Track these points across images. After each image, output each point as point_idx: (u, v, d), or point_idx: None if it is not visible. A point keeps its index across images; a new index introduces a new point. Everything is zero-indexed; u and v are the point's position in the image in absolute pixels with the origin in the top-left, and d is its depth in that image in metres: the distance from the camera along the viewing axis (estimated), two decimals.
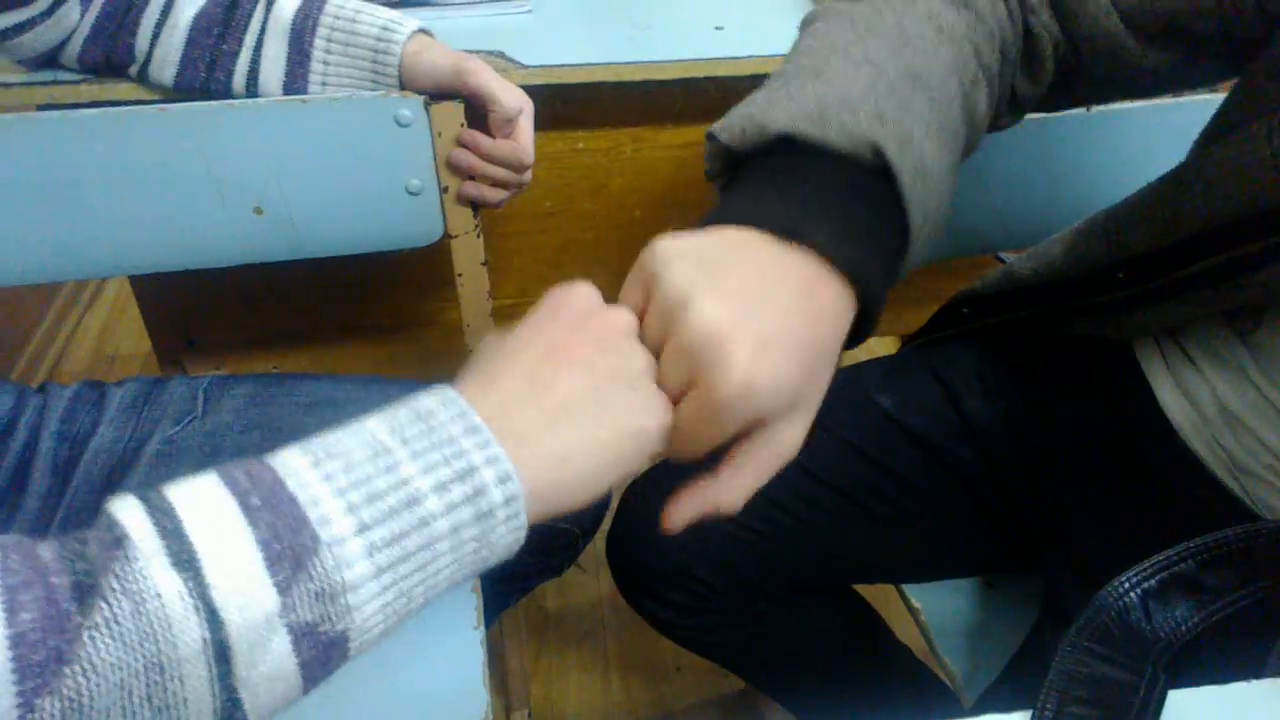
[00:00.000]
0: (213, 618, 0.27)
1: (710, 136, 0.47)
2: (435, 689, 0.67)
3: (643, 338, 0.39)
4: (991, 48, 0.54)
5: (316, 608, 0.29)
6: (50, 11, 0.71)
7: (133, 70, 0.76)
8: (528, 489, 0.33)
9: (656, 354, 0.38)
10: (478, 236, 0.83)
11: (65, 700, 0.26)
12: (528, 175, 0.78)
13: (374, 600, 0.30)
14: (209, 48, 0.74)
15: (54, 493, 0.66)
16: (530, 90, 0.75)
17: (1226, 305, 0.57)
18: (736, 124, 0.46)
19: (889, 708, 0.84)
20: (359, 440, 0.32)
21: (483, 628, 0.69)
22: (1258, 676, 0.43)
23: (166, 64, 0.74)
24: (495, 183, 0.78)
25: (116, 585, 0.27)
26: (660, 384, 0.38)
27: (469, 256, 0.84)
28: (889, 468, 0.73)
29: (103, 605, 0.26)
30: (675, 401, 0.37)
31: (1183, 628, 0.46)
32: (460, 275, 0.85)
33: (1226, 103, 0.57)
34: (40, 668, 0.26)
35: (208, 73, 0.74)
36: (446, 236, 0.82)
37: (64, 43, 0.75)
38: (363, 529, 0.30)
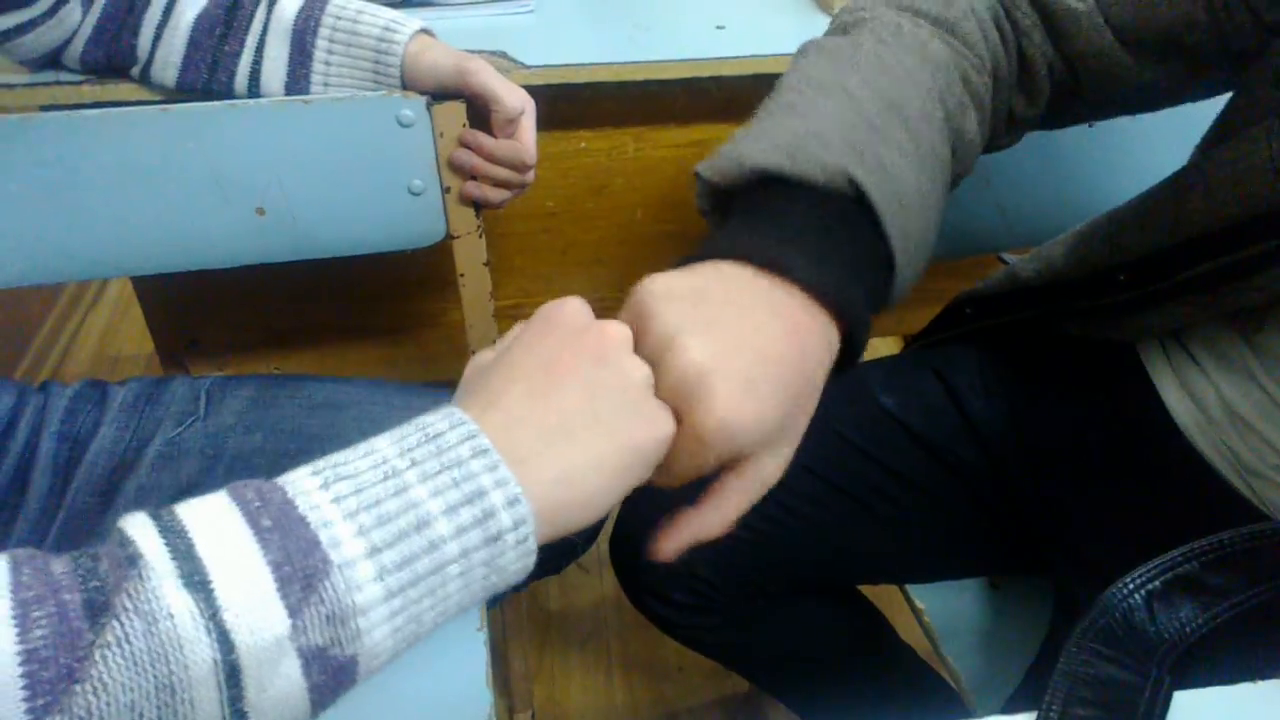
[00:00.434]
0: (224, 639, 0.27)
1: (698, 175, 0.48)
2: (439, 690, 0.67)
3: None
4: (981, 73, 0.54)
5: (327, 631, 0.29)
6: (52, 12, 0.71)
7: (134, 71, 0.76)
8: (535, 510, 0.33)
9: None
10: (480, 237, 0.83)
11: (75, 719, 0.26)
12: (530, 175, 0.78)
13: (385, 624, 0.30)
14: (211, 49, 0.74)
15: (55, 493, 0.66)
16: (532, 90, 0.75)
17: (1228, 308, 0.57)
18: (720, 162, 0.47)
19: (893, 708, 0.84)
20: (369, 462, 0.32)
21: (486, 629, 0.69)
22: (1263, 677, 0.43)
23: (168, 65, 0.75)
24: (497, 183, 0.78)
25: (129, 604, 0.27)
26: None
27: (471, 257, 0.84)
28: (892, 467, 0.73)
29: (115, 624, 0.26)
30: None
31: (1187, 629, 0.46)
32: (462, 275, 0.85)
33: (1227, 107, 0.57)
34: (51, 685, 0.25)
35: (210, 74, 0.74)
36: (448, 237, 0.82)
37: (66, 44, 0.75)
38: (374, 551, 0.30)
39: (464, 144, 0.76)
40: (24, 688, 0.25)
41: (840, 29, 0.56)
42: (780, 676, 0.87)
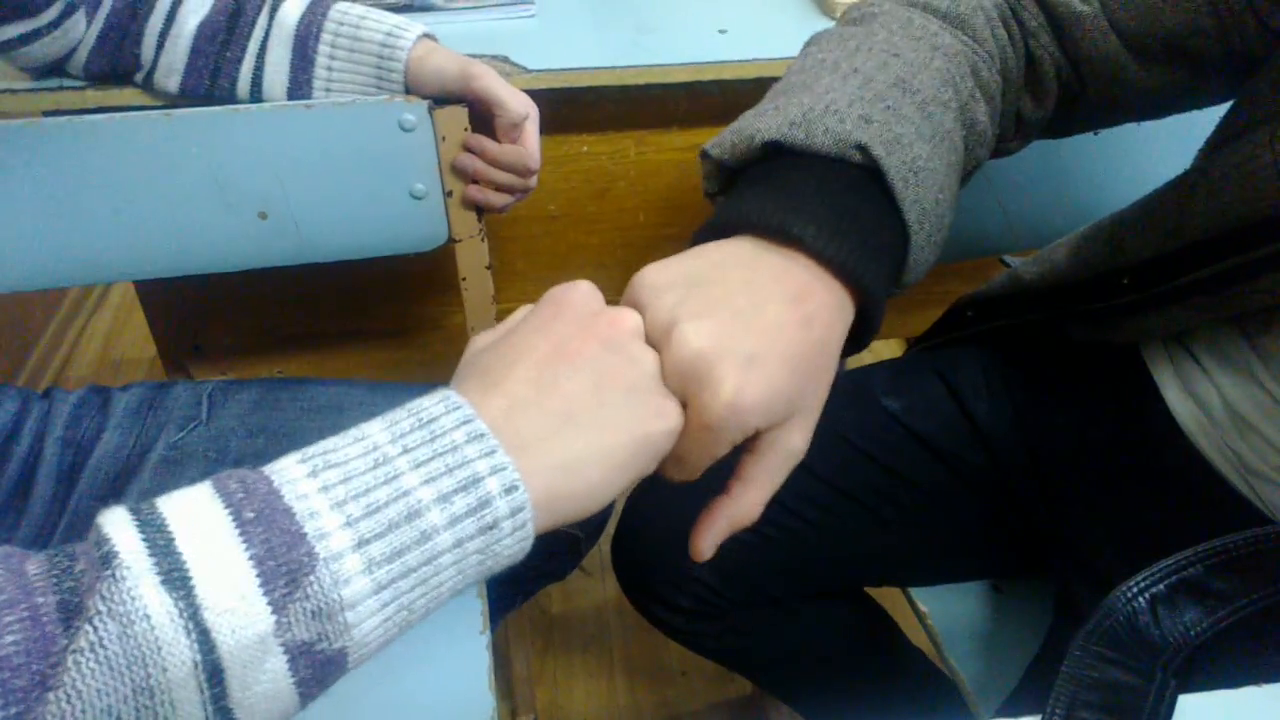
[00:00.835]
0: (204, 639, 0.26)
1: (704, 154, 0.48)
2: (441, 693, 0.67)
3: None
4: (990, 69, 0.54)
5: (313, 626, 0.28)
6: (58, 23, 0.71)
7: (138, 78, 0.77)
8: (534, 498, 0.32)
9: None
10: (482, 240, 0.83)
11: None
12: (533, 180, 0.78)
13: (373, 617, 0.29)
14: (213, 55, 0.74)
15: (59, 498, 0.66)
16: (534, 94, 0.75)
17: (1230, 311, 0.57)
18: (727, 139, 0.46)
19: (900, 712, 0.83)
20: (359, 448, 0.31)
21: (489, 632, 0.69)
22: (1268, 681, 0.43)
23: (171, 72, 0.75)
24: (500, 187, 0.78)
25: (103, 606, 0.26)
26: None
27: (473, 261, 0.84)
28: (896, 471, 0.73)
29: (89, 628, 0.25)
30: None
31: (1192, 633, 0.46)
32: (464, 279, 0.85)
33: (1231, 111, 0.57)
34: (24, 694, 0.25)
35: (212, 80, 0.75)
36: (451, 241, 0.82)
37: (70, 53, 0.75)
38: (361, 544, 0.29)
39: (467, 148, 0.76)
40: None
41: (850, 23, 0.56)
42: (784, 679, 0.87)
